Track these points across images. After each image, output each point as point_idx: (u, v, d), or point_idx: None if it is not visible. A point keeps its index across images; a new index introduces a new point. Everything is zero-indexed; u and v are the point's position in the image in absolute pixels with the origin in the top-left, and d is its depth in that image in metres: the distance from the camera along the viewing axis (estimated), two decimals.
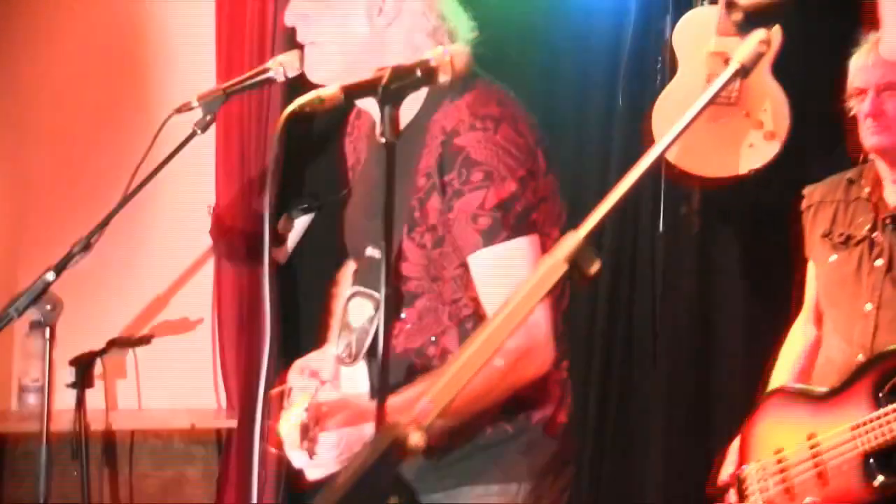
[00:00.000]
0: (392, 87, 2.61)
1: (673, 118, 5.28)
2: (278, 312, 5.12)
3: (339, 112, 2.85)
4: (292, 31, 3.20)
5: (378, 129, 2.65)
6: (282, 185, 5.12)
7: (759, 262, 5.53)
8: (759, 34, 2.07)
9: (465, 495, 3.05)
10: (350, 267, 3.37)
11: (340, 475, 1.72)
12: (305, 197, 5.28)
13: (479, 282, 2.98)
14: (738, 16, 2.15)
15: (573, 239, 1.85)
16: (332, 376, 3.22)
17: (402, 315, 3.09)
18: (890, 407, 3.69)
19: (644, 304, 5.63)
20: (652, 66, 5.35)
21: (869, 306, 3.89)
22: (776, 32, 4.94)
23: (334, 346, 3.23)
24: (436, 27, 3.11)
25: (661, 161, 1.98)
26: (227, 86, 3.41)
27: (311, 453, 2.91)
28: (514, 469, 3.08)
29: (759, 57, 2.05)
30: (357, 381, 3.13)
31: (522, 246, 2.94)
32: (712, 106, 5.12)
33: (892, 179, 3.95)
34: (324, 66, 3.09)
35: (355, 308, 3.16)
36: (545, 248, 2.93)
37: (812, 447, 3.83)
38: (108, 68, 5.30)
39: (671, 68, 5.15)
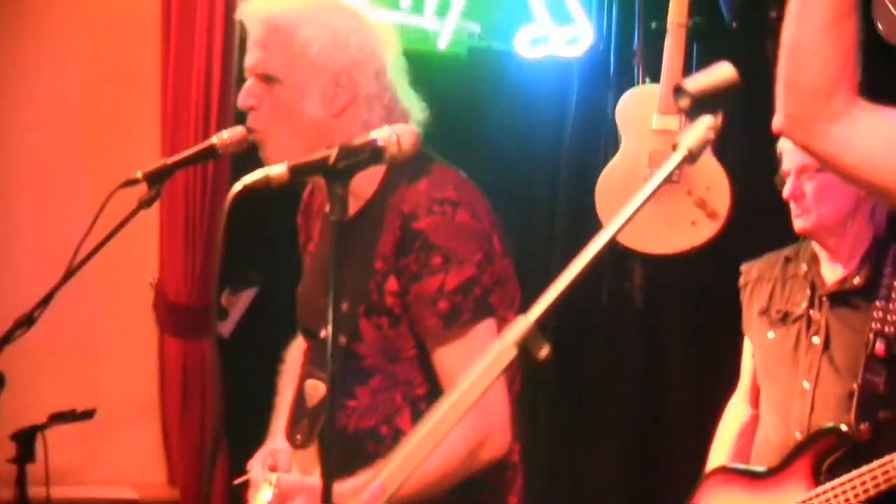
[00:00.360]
0: (340, 166, 2.60)
1: (617, 195, 5.36)
2: (222, 386, 5.10)
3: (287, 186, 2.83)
4: (238, 109, 3.20)
5: (327, 208, 2.63)
6: (224, 258, 5.10)
7: (702, 337, 5.54)
8: (707, 121, 2.07)
9: None
10: (299, 346, 3.35)
11: None
12: (249, 272, 5.27)
13: (445, 375, 2.97)
14: (685, 101, 2.15)
15: (523, 323, 1.84)
16: (289, 464, 3.18)
17: (356, 395, 3.05)
18: (829, 484, 3.71)
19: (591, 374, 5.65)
20: (595, 143, 5.37)
21: (806, 384, 3.90)
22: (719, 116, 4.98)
23: (286, 430, 3.21)
24: (390, 109, 3.12)
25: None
26: (173, 160, 3.40)
27: None
28: None
29: (706, 143, 2.05)
30: (312, 463, 3.10)
31: (482, 330, 2.94)
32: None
33: (827, 258, 3.98)
34: (274, 147, 3.10)
35: (310, 389, 3.14)
36: (501, 330, 2.90)
37: None
38: (53, 141, 5.27)
39: (614, 145, 5.18)
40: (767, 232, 4.60)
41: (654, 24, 5.33)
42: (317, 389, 3.10)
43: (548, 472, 5.53)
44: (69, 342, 5.03)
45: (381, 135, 2.70)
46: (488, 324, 2.95)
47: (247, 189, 2.62)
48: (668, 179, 4.87)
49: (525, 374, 3.15)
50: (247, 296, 5.28)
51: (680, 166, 2.04)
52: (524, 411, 3.22)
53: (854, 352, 3.86)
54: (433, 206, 2.99)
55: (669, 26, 5.19)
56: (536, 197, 5.57)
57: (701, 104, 2.20)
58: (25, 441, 4.30)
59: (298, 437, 3.16)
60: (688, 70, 4.96)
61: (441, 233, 2.97)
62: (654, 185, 2.01)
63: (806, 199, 3.91)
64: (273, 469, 3.13)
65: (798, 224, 3.95)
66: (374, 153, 2.67)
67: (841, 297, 3.93)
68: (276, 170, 2.62)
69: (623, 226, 2.00)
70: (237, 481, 3.09)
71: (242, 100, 3.15)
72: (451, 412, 1.80)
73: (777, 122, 2.53)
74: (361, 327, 3.04)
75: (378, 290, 3.01)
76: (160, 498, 5.19)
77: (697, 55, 5.19)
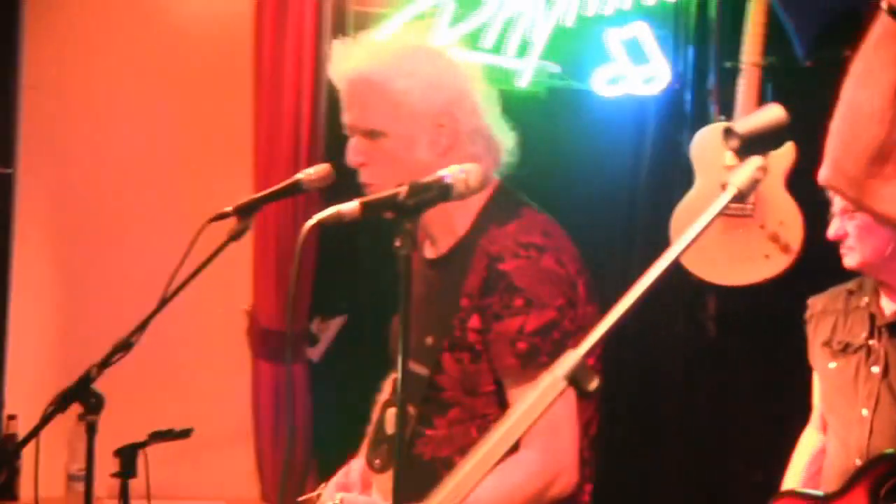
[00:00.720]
0: (409, 203, 2.60)
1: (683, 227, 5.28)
2: (310, 407, 5.15)
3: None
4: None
5: (397, 242, 2.62)
6: (316, 287, 5.13)
7: (772, 367, 5.50)
8: (756, 161, 2.05)
9: None
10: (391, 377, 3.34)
11: None
12: (339, 301, 5.29)
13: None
14: (734, 142, 2.14)
15: (573, 357, 1.82)
16: (361, 483, 3.19)
17: (434, 424, 3.05)
18: None
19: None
20: (670, 179, 5.35)
21: (865, 412, 3.89)
22: (789, 149, 4.95)
23: (366, 455, 3.21)
24: (486, 151, 3.11)
25: (672, 272, 1.97)
26: (260, 195, 3.42)
27: None
28: None
29: (755, 183, 2.03)
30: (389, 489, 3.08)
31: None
32: (730, 218, 5.16)
33: (884, 290, 3.99)
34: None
35: (390, 416, 3.13)
36: None
37: None
38: (152, 180, 5.33)
39: (689, 180, 5.15)
40: (836, 265, 4.57)
41: (728, 64, 5.30)
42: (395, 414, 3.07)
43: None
44: (167, 366, 5.07)
45: (450, 172, 2.70)
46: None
47: (320, 223, 2.62)
48: (737, 209, 4.88)
49: (602, 413, 3.13)
50: (336, 323, 5.30)
51: (729, 204, 2.02)
52: (600, 445, 3.20)
53: None
54: (519, 249, 2.98)
55: (744, 66, 5.18)
56: (615, 232, 5.55)
57: (756, 145, 2.19)
58: (127, 457, 4.30)
59: (377, 461, 3.16)
60: None
61: (525, 276, 2.96)
62: (704, 223, 1.98)
63: (850, 238, 3.95)
64: (345, 488, 3.13)
65: (847, 262, 4.00)
66: (442, 190, 2.67)
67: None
68: (348, 206, 2.62)
69: (670, 265, 1.96)
70: (302, 498, 3.09)
71: (351, 157, 3.15)
72: (501, 442, 1.78)
73: (825, 175, 2.52)
74: (444, 360, 3.03)
75: (461, 326, 3.01)
76: None
77: (772, 94, 5.17)
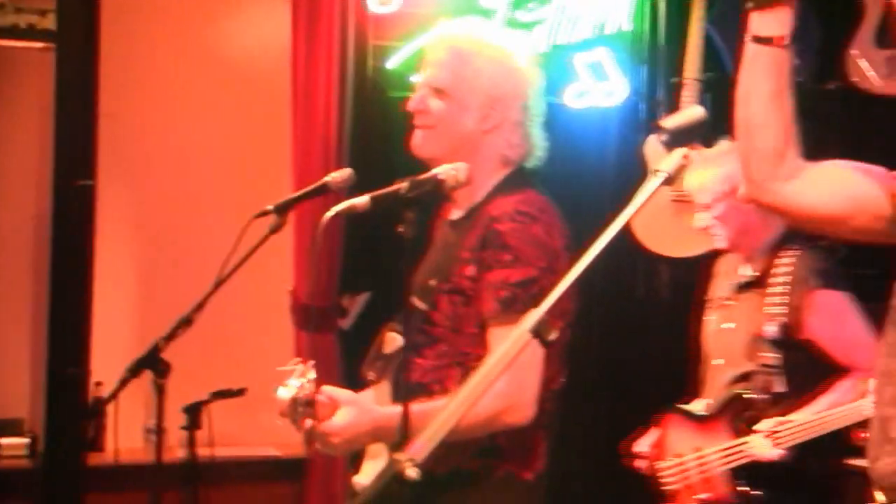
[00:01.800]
0: (410, 196, 2.62)
1: (648, 213, 5.28)
2: (341, 367, 5.16)
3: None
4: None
5: (399, 227, 2.62)
6: (344, 267, 5.13)
7: None
8: (681, 151, 2.07)
9: None
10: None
11: (354, 498, 1.72)
12: (364, 279, 5.28)
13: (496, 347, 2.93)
14: (664, 136, 2.15)
15: (536, 313, 1.84)
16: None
17: (424, 355, 3.01)
18: (737, 441, 3.75)
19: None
20: (629, 174, 5.31)
21: (721, 361, 3.96)
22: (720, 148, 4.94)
23: (363, 367, 3.17)
24: (520, 143, 3.10)
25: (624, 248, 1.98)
26: (295, 196, 3.44)
27: (316, 431, 2.85)
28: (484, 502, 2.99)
29: (682, 168, 2.05)
30: (380, 396, 3.05)
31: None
32: (678, 203, 5.15)
33: (742, 258, 4.00)
34: (430, 147, 3.07)
35: (388, 339, 3.08)
36: None
37: (698, 458, 3.85)
38: (207, 181, 5.35)
39: (644, 174, 5.14)
40: None
41: (674, 80, 5.28)
42: (394, 340, 3.05)
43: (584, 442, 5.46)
44: (224, 337, 5.10)
45: (443, 170, 2.72)
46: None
47: (338, 215, 2.64)
48: (686, 196, 4.84)
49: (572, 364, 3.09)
50: (362, 298, 5.30)
51: (661, 186, 2.03)
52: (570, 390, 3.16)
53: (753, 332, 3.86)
54: (516, 215, 2.95)
55: (686, 81, 5.17)
56: (586, 217, 5.48)
57: (682, 138, 2.20)
58: (193, 413, 4.33)
59: (371, 374, 3.12)
60: None
61: (516, 237, 2.92)
62: (639, 203, 2.01)
63: (715, 226, 3.95)
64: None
65: (717, 244, 4.01)
66: (436, 184, 2.69)
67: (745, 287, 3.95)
68: (360, 200, 2.66)
69: (611, 240, 1.98)
70: (280, 367, 2.91)
71: (412, 105, 3.12)
72: (479, 383, 1.81)
73: (744, 191, 2.51)
74: (440, 300, 2.99)
75: (459, 273, 2.97)
76: (296, 454, 5.22)
77: (710, 103, 5.13)
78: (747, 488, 3.75)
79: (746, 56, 2.37)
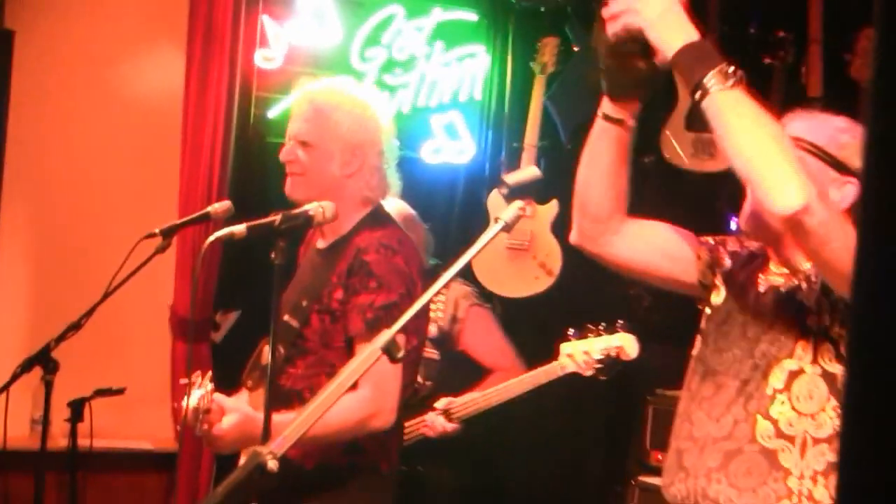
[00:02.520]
0: (282, 228, 2.62)
1: (487, 256, 5.30)
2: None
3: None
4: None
5: (272, 254, 2.62)
6: (218, 287, 5.07)
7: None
8: (518, 203, 2.10)
9: None
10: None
11: (219, 486, 1.71)
12: (236, 298, 5.23)
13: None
14: (504, 190, 2.18)
15: (386, 334, 1.87)
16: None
17: (296, 364, 3.01)
18: (416, 420, 4.18)
19: None
20: (474, 222, 5.35)
21: None
22: (553, 204, 5.03)
23: (243, 376, 3.16)
24: (378, 185, 3.10)
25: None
26: (180, 222, 3.42)
27: (210, 434, 2.82)
28: (345, 495, 3.01)
29: (518, 218, 2.08)
30: (256, 401, 3.02)
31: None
32: (513, 250, 5.19)
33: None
34: (301, 192, 3.05)
35: (265, 352, 3.05)
36: (407, 346, 2.84)
37: None
38: (105, 204, 5.26)
39: (486, 222, 5.20)
40: (585, 285, 4.67)
41: (515, 144, 5.37)
42: (268, 353, 3.01)
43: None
44: (109, 340, 4.98)
45: (311, 207, 2.72)
46: (399, 336, 2.92)
47: (217, 240, 2.62)
48: (518, 245, 4.87)
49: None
50: (233, 315, 5.24)
51: (499, 232, 2.07)
52: None
53: None
54: (380, 247, 2.96)
55: (525, 146, 5.26)
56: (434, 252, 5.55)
57: (522, 193, 2.24)
58: (77, 407, 4.26)
59: (249, 382, 3.12)
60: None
61: (380, 266, 2.93)
62: (477, 249, 2.04)
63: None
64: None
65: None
66: (307, 219, 2.69)
67: None
68: (237, 228, 2.63)
69: (452, 276, 2.01)
70: (183, 380, 2.86)
71: (283, 156, 3.11)
72: (335, 390, 1.82)
73: (573, 237, 2.54)
74: (311, 318, 2.99)
75: (329, 295, 2.96)
76: (169, 448, 5.14)
77: (545, 166, 5.21)
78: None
79: (595, 129, 2.41)
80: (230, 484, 1.72)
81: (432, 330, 4.07)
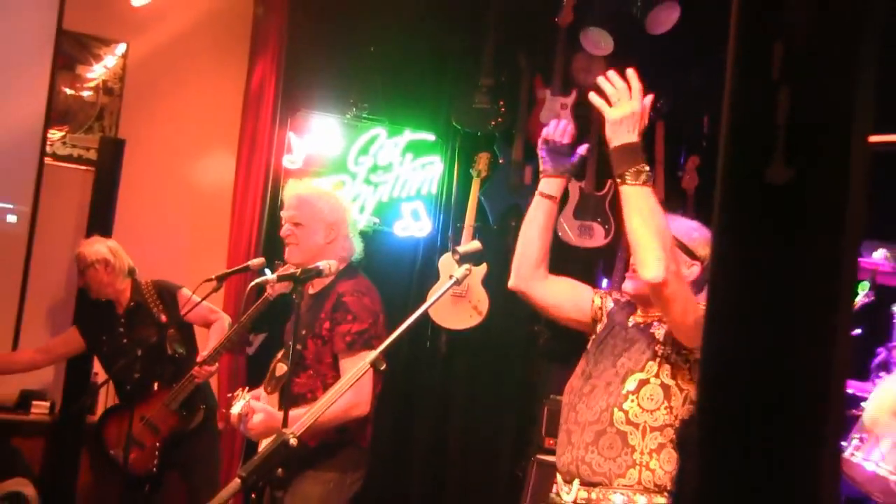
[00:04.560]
0: (302, 278, 2.62)
1: (440, 304, 5.18)
2: (245, 376, 4.96)
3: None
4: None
5: (294, 294, 2.61)
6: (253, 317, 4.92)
7: (481, 366, 5.49)
8: (466, 265, 2.12)
9: (308, 475, 2.92)
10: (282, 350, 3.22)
11: (256, 456, 1.69)
12: (264, 323, 5.10)
13: (343, 374, 2.90)
14: (456, 256, 2.20)
15: (372, 354, 1.87)
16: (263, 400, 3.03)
17: (300, 376, 2.97)
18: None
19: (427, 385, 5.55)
20: (430, 279, 5.32)
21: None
22: (483, 266, 5.04)
23: (264, 385, 3.09)
24: (349, 248, 3.08)
25: (422, 320, 2.01)
26: (228, 272, 3.38)
27: (245, 428, 2.80)
28: (336, 462, 2.95)
29: (465, 276, 2.10)
30: (272, 403, 2.99)
31: (364, 355, 2.85)
32: (455, 296, 5.14)
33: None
34: (297, 257, 3.02)
35: (278, 368, 3.03)
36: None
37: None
38: (165, 253, 5.13)
39: (437, 278, 5.19)
40: (502, 321, 4.65)
41: (459, 224, 5.34)
42: (282, 369, 3.00)
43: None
44: None
45: (322, 263, 2.72)
46: (370, 353, 2.88)
47: (255, 285, 2.60)
48: (458, 293, 4.80)
49: (385, 383, 3.06)
50: (261, 336, 5.16)
51: (451, 286, 2.07)
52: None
53: None
54: (354, 292, 2.95)
55: (466, 226, 5.27)
56: (397, 303, 5.45)
57: (467, 259, 2.25)
58: None
59: (268, 389, 3.06)
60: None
61: (354, 305, 2.93)
62: (438, 296, 2.05)
63: None
64: (255, 397, 2.99)
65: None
66: (318, 272, 2.69)
67: None
68: (270, 276, 2.63)
69: (419, 315, 2.01)
70: (229, 394, 2.87)
71: (284, 233, 3.08)
72: (337, 391, 1.81)
73: (512, 282, 2.54)
74: (308, 342, 2.96)
75: (320, 326, 2.94)
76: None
77: (482, 239, 5.13)
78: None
79: (534, 201, 2.49)
80: (263, 454, 1.70)
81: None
